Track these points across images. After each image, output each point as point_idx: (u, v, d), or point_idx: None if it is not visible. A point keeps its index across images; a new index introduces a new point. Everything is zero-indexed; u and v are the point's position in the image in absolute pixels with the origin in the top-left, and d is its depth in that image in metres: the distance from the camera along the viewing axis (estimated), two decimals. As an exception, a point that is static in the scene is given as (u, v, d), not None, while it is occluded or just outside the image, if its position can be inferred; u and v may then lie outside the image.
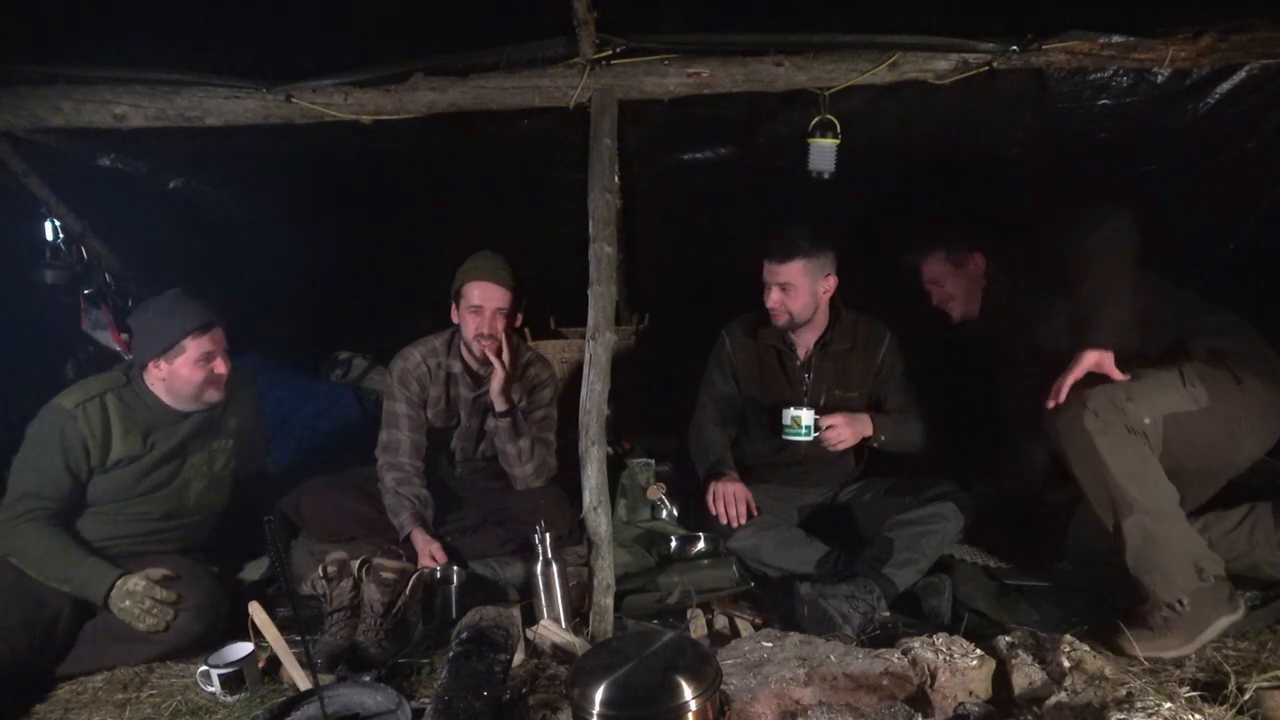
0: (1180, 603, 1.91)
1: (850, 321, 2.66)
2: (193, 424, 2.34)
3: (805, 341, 2.66)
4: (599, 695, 1.43)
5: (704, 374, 2.83)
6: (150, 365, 2.25)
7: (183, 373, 2.23)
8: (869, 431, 2.57)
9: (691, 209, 3.14)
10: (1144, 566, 1.94)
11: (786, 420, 2.50)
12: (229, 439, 2.46)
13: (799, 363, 2.67)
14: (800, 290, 2.51)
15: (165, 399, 2.29)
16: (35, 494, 2.15)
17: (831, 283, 2.57)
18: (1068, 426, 2.00)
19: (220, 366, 2.27)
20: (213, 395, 2.30)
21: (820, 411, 2.55)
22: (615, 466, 2.62)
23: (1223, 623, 1.93)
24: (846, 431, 2.52)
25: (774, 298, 2.53)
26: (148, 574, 2.12)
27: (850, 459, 2.76)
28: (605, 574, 2.12)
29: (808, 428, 2.49)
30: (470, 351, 2.61)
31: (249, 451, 2.60)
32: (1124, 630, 1.92)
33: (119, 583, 2.09)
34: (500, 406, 2.57)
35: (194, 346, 2.22)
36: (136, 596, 2.07)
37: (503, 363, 2.52)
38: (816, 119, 2.45)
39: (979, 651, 1.78)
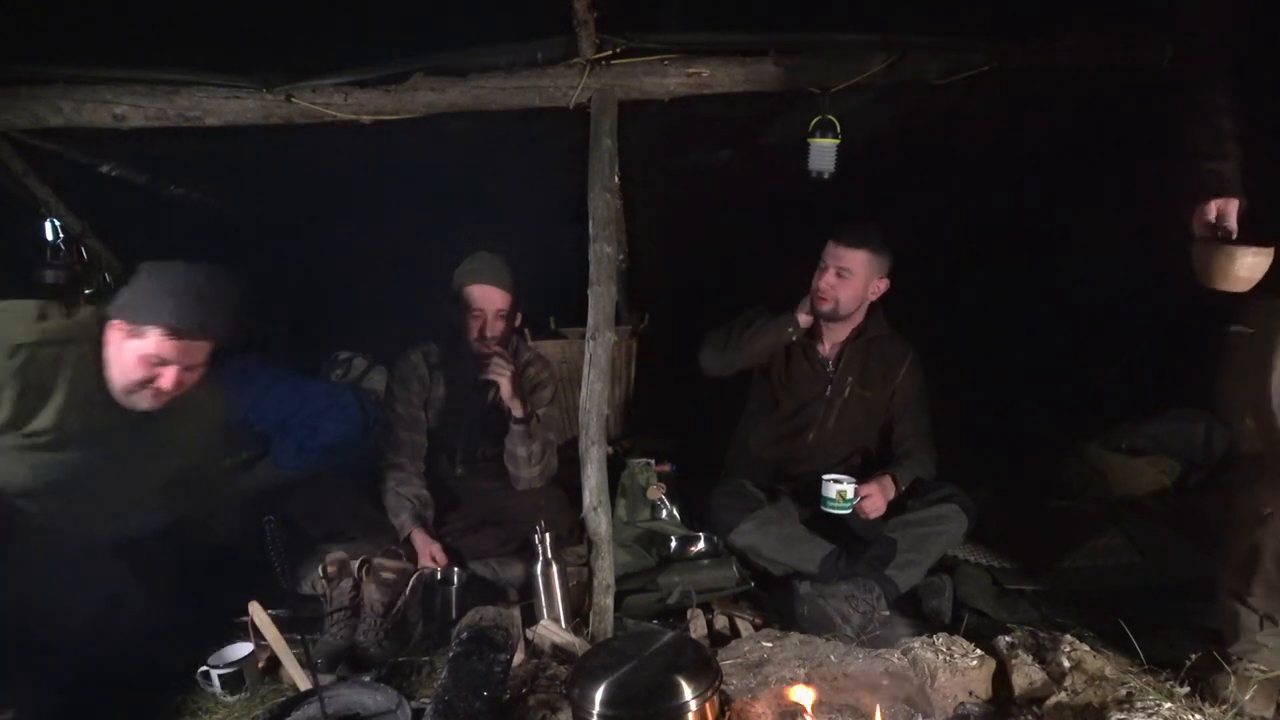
0: None
1: (881, 327, 2.65)
2: (127, 418, 1.93)
3: (834, 337, 2.65)
4: (599, 695, 1.43)
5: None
6: (111, 323, 1.87)
7: (126, 357, 1.85)
8: (892, 493, 2.53)
9: (692, 209, 3.13)
10: None
11: (830, 493, 2.41)
12: (178, 454, 2.08)
13: (822, 355, 2.65)
14: (855, 281, 2.47)
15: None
16: None
17: (883, 286, 2.54)
18: None
19: (166, 382, 1.86)
20: (140, 402, 1.89)
21: (839, 407, 2.57)
22: (615, 466, 2.62)
23: None
24: (880, 501, 2.49)
25: (828, 279, 2.47)
26: None
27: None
28: (605, 574, 2.12)
29: (850, 501, 2.42)
30: (469, 353, 2.60)
31: (196, 477, 2.20)
32: None
33: None
34: (517, 413, 2.56)
35: (156, 342, 1.83)
36: None
37: (506, 376, 2.50)
38: (816, 119, 2.45)
39: (979, 651, 1.78)
